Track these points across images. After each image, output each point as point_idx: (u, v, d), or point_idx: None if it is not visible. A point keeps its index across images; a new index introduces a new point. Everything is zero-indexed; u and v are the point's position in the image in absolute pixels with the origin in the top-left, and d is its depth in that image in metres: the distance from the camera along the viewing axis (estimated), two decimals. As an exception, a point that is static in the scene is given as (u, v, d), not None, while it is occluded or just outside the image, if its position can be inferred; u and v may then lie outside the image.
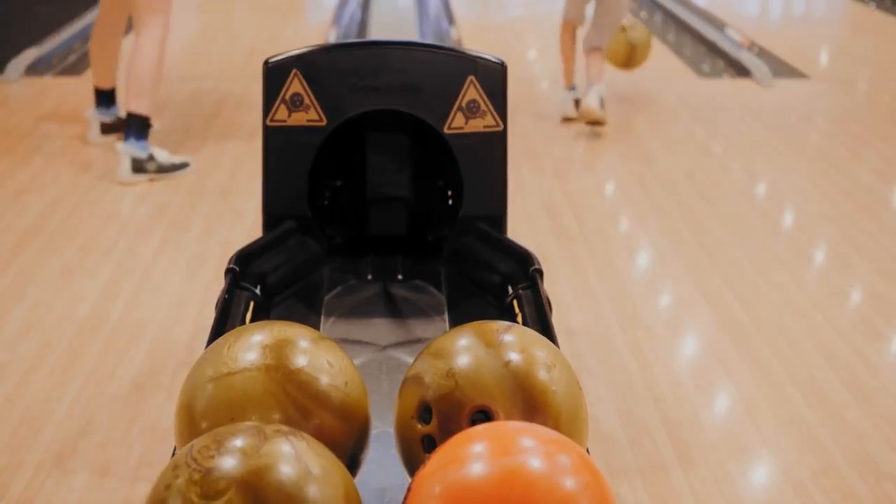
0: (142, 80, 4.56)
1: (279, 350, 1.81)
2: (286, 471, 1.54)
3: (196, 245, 3.98)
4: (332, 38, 7.38)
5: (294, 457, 1.56)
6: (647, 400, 2.99)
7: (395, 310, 2.79)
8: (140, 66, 4.56)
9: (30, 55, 6.31)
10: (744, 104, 5.97)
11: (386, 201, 3.05)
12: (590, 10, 5.55)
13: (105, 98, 5.01)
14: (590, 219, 4.32)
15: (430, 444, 1.81)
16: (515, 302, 2.58)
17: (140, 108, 4.57)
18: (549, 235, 4.12)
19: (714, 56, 7.10)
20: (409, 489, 1.63)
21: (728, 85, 6.47)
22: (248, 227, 4.08)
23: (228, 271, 2.62)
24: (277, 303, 2.76)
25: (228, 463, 1.53)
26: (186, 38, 7.42)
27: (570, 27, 5.58)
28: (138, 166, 4.56)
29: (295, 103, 2.82)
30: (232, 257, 2.67)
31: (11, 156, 4.86)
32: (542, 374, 1.82)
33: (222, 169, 4.78)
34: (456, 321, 2.70)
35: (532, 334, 1.92)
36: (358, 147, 3.05)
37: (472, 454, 1.58)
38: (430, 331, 2.68)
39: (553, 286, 3.49)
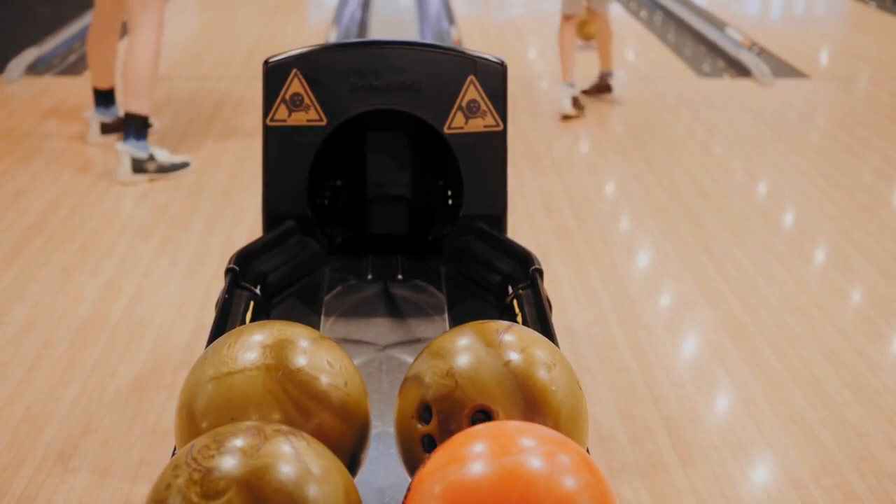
0: (138, 79, 4.56)
1: (279, 350, 1.81)
2: (286, 470, 1.54)
3: (196, 245, 3.98)
4: (333, 37, 7.38)
5: (294, 456, 1.56)
6: (647, 399, 2.99)
7: (395, 309, 2.79)
8: (136, 65, 4.56)
9: (30, 55, 6.31)
10: (744, 104, 5.97)
11: (386, 201, 3.05)
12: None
13: (104, 98, 5.01)
14: (590, 218, 4.32)
15: (430, 443, 1.81)
16: (515, 301, 2.58)
17: (138, 108, 4.57)
18: (549, 235, 4.12)
19: (714, 56, 7.10)
20: (409, 489, 1.63)
21: (728, 84, 6.46)
22: (248, 226, 4.08)
23: (228, 271, 2.62)
24: (277, 302, 2.77)
25: (228, 463, 1.53)
26: (186, 38, 7.43)
27: (570, 21, 5.60)
28: (138, 166, 4.56)
29: (295, 103, 2.83)
30: (232, 257, 2.67)
31: (12, 156, 4.86)
32: (542, 374, 1.82)
33: (222, 168, 4.78)
34: (456, 321, 2.70)
35: (532, 334, 1.91)
36: (358, 147, 3.05)
37: (472, 454, 1.58)
38: (430, 330, 2.68)
39: (553, 286, 3.49)
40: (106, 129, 5.01)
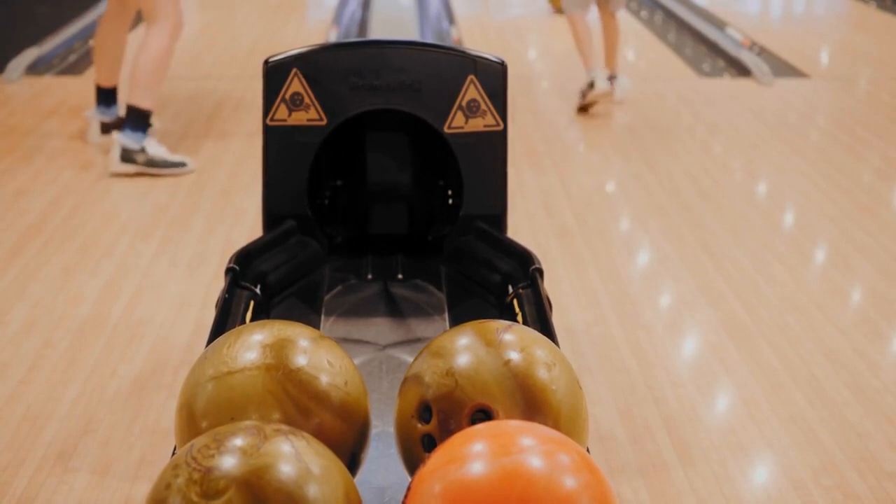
0: (147, 74, 4.55)
1: (279, 349, 1.81)
2: (286, 470, 1.54)
3: (196, 244, 3.98)
4: (333, 37, 7.38)
5: (294, 456, 1.56)
6: (647, 399, 2.99)
7: (395, 309, 2.79)
8: (147, 59, 4.55)
9: (30, 55, 6.31)
10: (744, 103, 5.97)
11: (386, 201, 3.05)
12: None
13: (105, 97, 5.00)
14: (590, 218, 4.32)
15: (430, 443, 1.81)
16: (515, 301, 2.58)
17: (141, 101, 4.57)
18: (549, 235, 4.12)
19: (714, 55, 7.10)
20: (409, 488, 1.63)
21: (728, 84, 6.46)
22: (248, 226, 4.08)
23: (229, 270, 2.62)
24: (277, 302, 2.77)
25: (228, 462, 1.53)
26: (186, 38, 7.40)
27: (579, 16, 5.62)
28: (127, 156, 4.56)
29: (295, 102, 2.83)
30: (232, 256, 2.67)
31: (12, 156, 4.86)
32: (542, 374, 1.81)
33: (222, 168, 4.78)
34: (456, 320, 2.70)
35: (532, 333, 1.91)
36: (358, 146, 3.05)
37: (472, 453, 1.58)
38: (430, 330, 2.68)
39: (553, 286, 3.49)
40: (106, 128, 5.00)
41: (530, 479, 1.53)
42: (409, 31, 7.73)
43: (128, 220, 4.22)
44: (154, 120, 5.15)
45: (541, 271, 2.63)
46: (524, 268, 2.68)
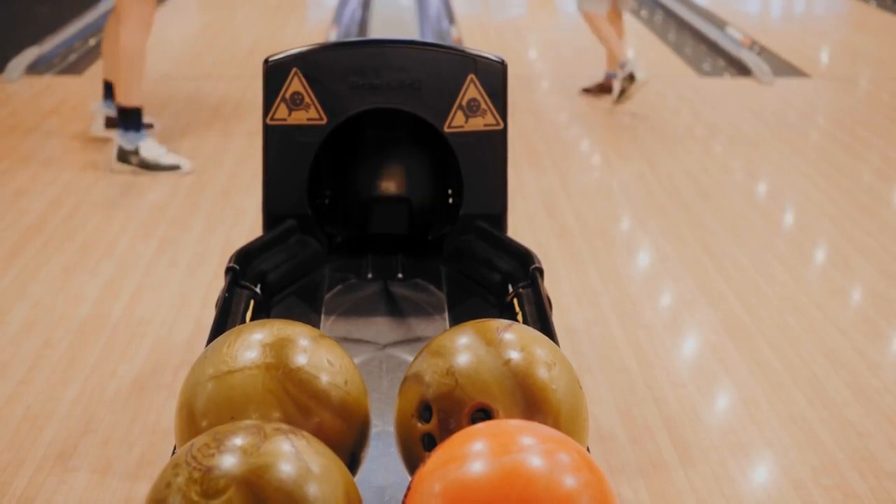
0: (121, 70, 4.60)
1: (279, 349, 1.81)
2: (286, 469, 1.54)
3: (196, 244, 3.98)
4: (333, 36, 7.38)
5: (294, 455, 1.56)
6: (647, 399, 2.99)
7: (395, 308, 2.79)
8: (119, 57, 4.59)
9: (31, 54, 6.32)
10: (744, 103, 5.97)
11: (386, 200, 3.05)
12: None
13: (111, 91, 5.01)
14: (590, 218, 4.32)
15: (430, 442, 1.81)
16: (516, 300, 2.58)
17: (124, 99, 4.61)
18: (549, 235, 4.12)
19: (715, 55, 7.11)
20: (409, 487, 1.63)
21: (729, 84, 6.46)
22: (248, 225, 4.08)
23: (229, 270, 2.62)
24: (277, 301, 2.76)
25: (228, 461, 1.53)
26: (186, 38, 7.43)
27: (600, 14, 5.64)
28: (122, 156, 4.63)
29: (295, 102, 2.83)
30: (232, 256, 2.67)
31: (12, 155, 4.86)
32: (542, 373, 1.81)
33: (223, 168, 4.78)
34: (456, 320, 2.70)
35: (532, 333, 1.91)
36: (358, 146, 3.05)
37: (472, 452, 1.58)
38: (431, 329, 2.68)
39: (553, 285, 3.49)
40: (111, 122, 5.01)
41: (530, 479, 1.53)
42: (409, 30, 7.73)
43: (128, 220, 4.22)
44: (154, 120, 5.15)
45: (541, 271, 2.63)
46: (524, 267, 2.68)
